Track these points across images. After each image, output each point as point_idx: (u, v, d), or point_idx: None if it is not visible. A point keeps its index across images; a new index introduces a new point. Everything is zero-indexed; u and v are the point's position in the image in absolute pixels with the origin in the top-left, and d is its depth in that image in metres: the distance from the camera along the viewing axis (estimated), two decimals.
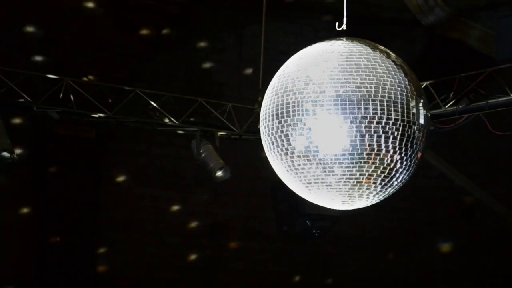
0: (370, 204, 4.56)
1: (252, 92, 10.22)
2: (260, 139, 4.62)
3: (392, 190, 4.49)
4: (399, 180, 4.43)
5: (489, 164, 12.86)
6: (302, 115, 4.30)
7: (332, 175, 4.33)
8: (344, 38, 4.50)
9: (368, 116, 4.24)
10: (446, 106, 9.07)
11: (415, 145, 4.36)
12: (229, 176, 9.50)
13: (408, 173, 4.43)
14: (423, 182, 12.14)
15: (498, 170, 12.87)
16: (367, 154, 4.28)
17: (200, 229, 11.57)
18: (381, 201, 4.60)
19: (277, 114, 4.39)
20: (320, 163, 4.31)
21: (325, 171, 4.32)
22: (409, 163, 4.38)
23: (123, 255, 11.07)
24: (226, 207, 11.67)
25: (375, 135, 4.26)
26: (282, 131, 4.37)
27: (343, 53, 4.37)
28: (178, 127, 9.64)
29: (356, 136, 4.26)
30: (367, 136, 4.26)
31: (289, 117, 4.35)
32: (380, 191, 4.44)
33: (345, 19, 4.61)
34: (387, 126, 4.27)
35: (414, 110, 4.33)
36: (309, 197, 4.55)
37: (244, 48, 11.74)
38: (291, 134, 4.34)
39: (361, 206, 4.57)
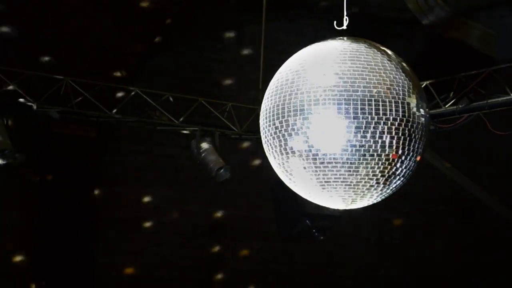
0: (371, 203, 4.57)
1: (252, 92, 10.22)
2: (260, 138, 4.58)
3: (394, 190, 4.50)
4: (400, 180, 4.45)
5: (489, 164, 12.85)
6: (389, 112, 4.24)
7: (356, 174, 4.31)
8: (345, 38, 4.49)
9: (393, 117, 4.25)
10: (446, 106, 9.08)
11: (416, 145, 4.38)
12: (229, 176, 9.50)
13: (409, 172, 4.45)
14: (423, 182, 12.14)
15: (498, 170, 12.87)
16: (385, 155, 4.29)
17: (200, 229, 11.56)
18: (381, 201, 4.61)
19: (301, 110, 4.28)
20: (347, 162, 4.28)
21: (350, 171, 4.30)
22: (409, 163, 4.40)
23: (123, 255, 11.07)
24: (226, 207, 11.66)
25: (383, 134, 4.28)
26: (308, 127, 4.27)
27: (368, 53, 4.36)
28: (178, 127, 9.65)
29: (386, 137, 4.26)
30: (396, 138, 4.27)
31: (318, 113, 4.26)
32: (384, 190, 4.45)
33: (345, 19, 4.60)
34: (393, 127, 4.28)
35: (415, 110, 4.34)
36: (320, 197, 4.51)
37: (244, 48, 11.74)
38: (376, 129, 4.25)
39: (362, 206, 4.58)
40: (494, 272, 13.03)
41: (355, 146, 4.26)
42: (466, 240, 13.06)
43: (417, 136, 4.36)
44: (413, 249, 12.83)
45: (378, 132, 4.26)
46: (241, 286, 11.72)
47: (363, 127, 4.24)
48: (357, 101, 4.24)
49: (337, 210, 4.67)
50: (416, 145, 4.38)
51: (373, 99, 4.24)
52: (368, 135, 4.25)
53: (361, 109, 4.24)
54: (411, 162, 4.41)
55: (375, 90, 4.25)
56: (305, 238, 10.78)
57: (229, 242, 11.74)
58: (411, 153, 4.38)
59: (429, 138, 4.48)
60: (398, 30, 11.83)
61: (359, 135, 4.24)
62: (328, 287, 12.36)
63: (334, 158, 4.28)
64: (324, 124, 4.26)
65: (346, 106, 4.23)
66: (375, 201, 4.56)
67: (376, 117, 4.24)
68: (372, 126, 4.24)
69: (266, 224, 11.31)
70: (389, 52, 4.46)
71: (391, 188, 4.47)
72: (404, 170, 4.41)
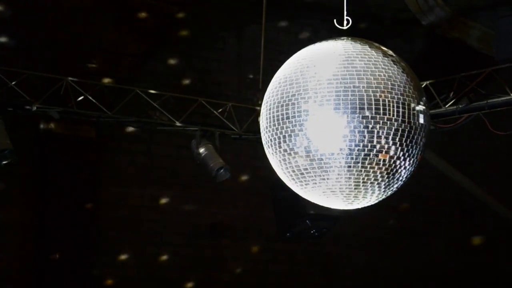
0: (371, 203, 4.58)
1: (252, 92, 10.23)
2: (260, 138, 4.58)
3: (394, 190, 4.51)
4: (400, 180, 4.45)
5: (489, 164, 12.86)
6: (389, 112, 4.27)
7: (356, 174, 4.32)
8: (345, 38, 4.50)
9: (394, 117, 4.27)
10: (446, 106, 9.08)
11: (415, 145, 4.38)
12: (229, 176, 9.49)
13: (409, 172, 4.45)
14: (423, 182, 12.14)
15: (498, 170, 12.87)
16: (385, 155, 4.30)
17: (200, 229, 11.56)
18: (381, 201, 4.62)
19: (301, 110, 4.30)
20: (347, 162, 4.28)
21: (349, 171, 4.31)
22: (409, 163, 4.40)
23: (123, 255, 11.07)
24: (226, 207, 11.66)
25: (384, 135, 4.28)
26: (308, 127, 4.29)
27: (368, 53, 4.36)
28: (178, 127, 9.65)
29: (386, 138, 4.28)
30: (396, 138, 4.28)
31: (319, 113, 4.26)
32: (384, 190, 4.46)
33: (347, 20, 4.60)
34: (393, 127, 4.28)
35: (415, 110, 4.34)
36: (321, 197, 4.51)
37: (244, 48, 11.74)
38: (377, 130, 4.27)
39: (363, 206, 4.58)
40: (494, 272, 13.03)
41: (355, 146, 4.26)
42: (466, 240, 13.07)
43: (417, 136, 4.37)
44: (413, 249, 12.83)
45: (378, 133, 4.26)
46: (241, 286, 11.72)
47: (363, 128, 4.25)
48: (358, 101, 4.24)
49: (337, 210, 4.67)
50: (416, 145, 4.38)
51: (373, 99, 4.25)
52: (368, 135, 4.25)
53: (361, 109, 4.24)
54: (411, 162, 4.41)
55: (375, 91, 4.25)
56: (305, 238, 10.78)
57: (229, 242, 11.74)
58: (411, 153, 4.38)
59: (429, 138, 4.48)
60: (398, 30, 11.83)
61: (359, 136, 4.25)
62: (328, 287, 12.36)
63: (334, 158, 4.29)
64: (324, 124, 4.26)
65: (347, 107, 4.24)
66: (375, 201, 4.57)
67: (376, 117, 4.25)
68: (372, 126, 4.25)
69: (266, 224, 11.31)
70: (389, 52, 4.46)
71: (391, 188, 4.48)
72: (404, 170, 4.42)
